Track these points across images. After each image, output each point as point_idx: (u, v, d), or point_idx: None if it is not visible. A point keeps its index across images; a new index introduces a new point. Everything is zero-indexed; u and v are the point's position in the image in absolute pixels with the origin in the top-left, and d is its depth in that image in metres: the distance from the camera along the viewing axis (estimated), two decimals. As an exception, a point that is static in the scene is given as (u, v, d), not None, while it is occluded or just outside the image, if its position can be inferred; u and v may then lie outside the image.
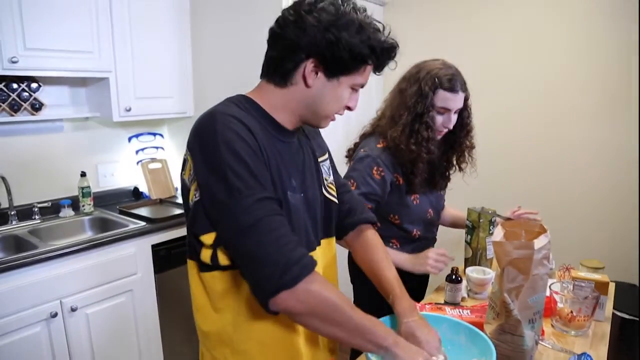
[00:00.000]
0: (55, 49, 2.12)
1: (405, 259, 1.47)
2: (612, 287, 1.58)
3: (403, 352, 0.89)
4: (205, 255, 0.92)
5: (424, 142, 1.43)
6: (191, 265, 0.99)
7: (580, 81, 2.47)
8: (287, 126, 0.99)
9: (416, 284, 1.65)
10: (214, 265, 0.92)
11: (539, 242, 1.02)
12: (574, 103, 2.51)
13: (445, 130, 1.48)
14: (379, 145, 1.49)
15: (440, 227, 1.74)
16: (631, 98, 2.33)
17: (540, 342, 1.23)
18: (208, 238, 0.90)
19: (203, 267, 0.95)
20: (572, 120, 2.53)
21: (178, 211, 2.53)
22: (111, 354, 2.17)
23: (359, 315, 0.89)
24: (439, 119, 1.45)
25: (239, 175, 0.84)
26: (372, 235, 1.21)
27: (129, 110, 2.42)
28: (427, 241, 1.64)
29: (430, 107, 1.42)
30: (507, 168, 2.77)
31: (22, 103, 2.24)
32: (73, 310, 1.98)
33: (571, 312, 1.29)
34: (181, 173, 0.94)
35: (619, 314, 2.24)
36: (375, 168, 1.46)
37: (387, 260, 1.17)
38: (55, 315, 1.93)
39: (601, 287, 1.37)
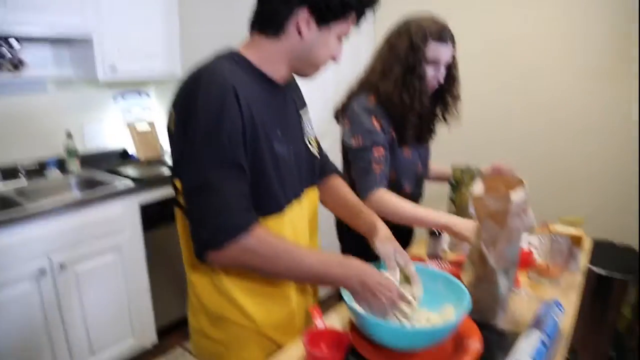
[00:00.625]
0: (37, 6, 2.07)
1: (461, 221, 1.38)
2: (588, 242, 1.64)
3: (365, 293, 0.96)
4: (182, 198, 0.96)
5: (417, 94, 1.45)
6: (178, 212, 1.03)
7: (570, 38, 2.48)
8: (277, 79, 1.02)
9: (400, 239, 1.69)
10: None
11: (516, 196, 1.05)
12: (557, 58, 2.52)
13: (436, 83, 1.49)
14: (370, 101, 1.50)
15: (428, 187, 1.76)
16: (621, 56, 2.34)
17: (514, 290, 1.29)
18: (179, 183, 0.95)
19: (185, 212, 0.98)
20: (554, 78, 2.54)
21: (167, 172, 2.54)
22: (101, 312, 2.23)
23: (309, 261, 0.94)
24: (430, 71, 1.46)
25: (205, 137, 0.87)
26: (337, 180, 1.28)
27: (114, 70, 2.39)
28: (415, 198, 1.67)
29: (422, 59, 1.43)
30: (491, 127, 2.80)
31: (1, 61, 2.20)
32: (62, 267, 2.02)
33: (546, 263, 1.35)
34: (167, 124, 0.96)
35: (596, 270, 2.32)
36: (373, 118, 1.48)
37: (351, 193, 1.25)
38: (43, 272, 1.96)
39: (576, 240, 1.44)
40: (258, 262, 0.92)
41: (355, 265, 0.98)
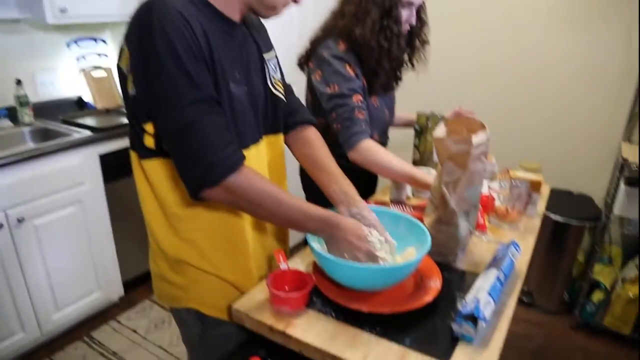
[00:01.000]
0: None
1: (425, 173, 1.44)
2: (546, 189, 1.70)
3: (331, 246, 0.99)
4: (149, 140, 0.94)
5: (394, 38, 1.43)
6: (133, 155, 1.01)
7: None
8: (232, 17, 0.98)
9: (365, 184, 1.72)
10: (159, 151, 0.95)
11: (477, 139, 1.06)
12: (528, 3, 2.53)
13: (408, 26, 1.48)
14: (340, 47, 1.47)
15: (393, 135, 1.78)
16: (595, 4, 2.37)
17: (479, 235, 1.34)
18: (151, 127, 0.92)
19: (144, 153, 0.97)
20: (523, 26, 2.56)
21: (127, 121, 2.46)
22: (65, 266, 2.21)
23: (289, 209, 0.96)
24: (405, 13, 1.44)
25: (174, 75, 0.84)
26: (313, 134, 1.24)
27: (65, 11, 2.26)
28: (382, 146, 1.68)
29: (397, 1, 1.41)
30: (458, 74, 2.81)
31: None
32: (20, 221, 1.97)
33: (506, 208, 1.40)
34: (118, 62, 0.92)
35: (553, 217, 2.43)
36: (347, 65, 1.46)
37: (329, 154, 1.21)
38: (0, 226, 1.91)
39: (535, 186, 1.49)
40: (244, 202, 0.94)
41: (331, 222, 0.99)
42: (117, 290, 2.51)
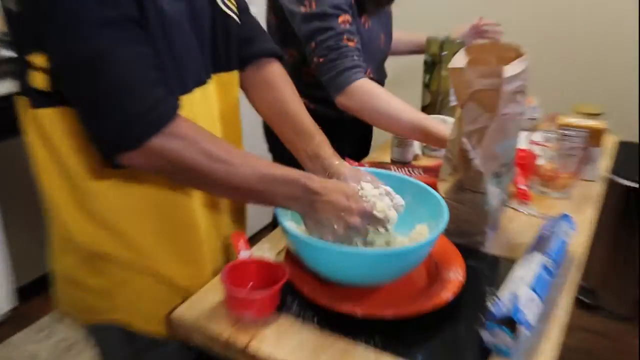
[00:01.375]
0: None
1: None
2: (611, 140, 1.73)
3: (308, 220, 1.01)
4: (39, 79, 0.92)
5: None
6: (22, 103, 0.98)
7: None
8: None
9: (357, 140, 1.75)
10: (57, 96, 0.93)
11: (511, 69, 1.06)
12: None
13: None
14: None
15: (391, 69, 1.80)
16: None
17: (514, 205, 1.37)
18: (40, 58, 0.90)
19: (36, 100, 0.95)
20: None
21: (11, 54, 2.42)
22: None
23: (244, 173, 0.96)
24: None
25: None
26: (277, 71, 1.24)
27: None
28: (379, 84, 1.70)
29: None
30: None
31: None
32: None
33: (554, 168, 1.42)
34: None
35: (621, 181, 2.46)
36: None
37: (299, 101, 1.22)
38: None
39: (595, 136, 1.50)
40: (179, 170, 0.94)
41: (305, 183, 0.99)
42: (5, 302, 2.51)
